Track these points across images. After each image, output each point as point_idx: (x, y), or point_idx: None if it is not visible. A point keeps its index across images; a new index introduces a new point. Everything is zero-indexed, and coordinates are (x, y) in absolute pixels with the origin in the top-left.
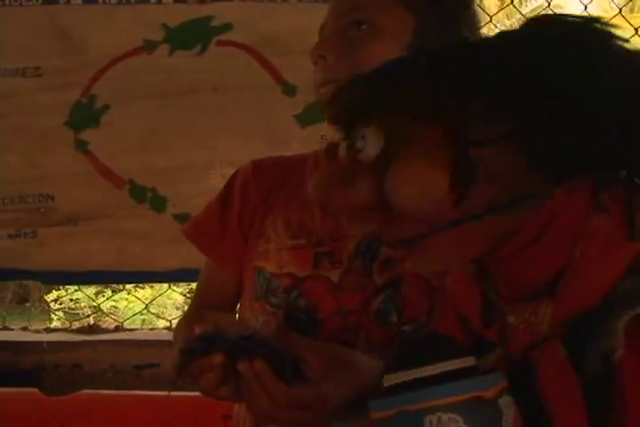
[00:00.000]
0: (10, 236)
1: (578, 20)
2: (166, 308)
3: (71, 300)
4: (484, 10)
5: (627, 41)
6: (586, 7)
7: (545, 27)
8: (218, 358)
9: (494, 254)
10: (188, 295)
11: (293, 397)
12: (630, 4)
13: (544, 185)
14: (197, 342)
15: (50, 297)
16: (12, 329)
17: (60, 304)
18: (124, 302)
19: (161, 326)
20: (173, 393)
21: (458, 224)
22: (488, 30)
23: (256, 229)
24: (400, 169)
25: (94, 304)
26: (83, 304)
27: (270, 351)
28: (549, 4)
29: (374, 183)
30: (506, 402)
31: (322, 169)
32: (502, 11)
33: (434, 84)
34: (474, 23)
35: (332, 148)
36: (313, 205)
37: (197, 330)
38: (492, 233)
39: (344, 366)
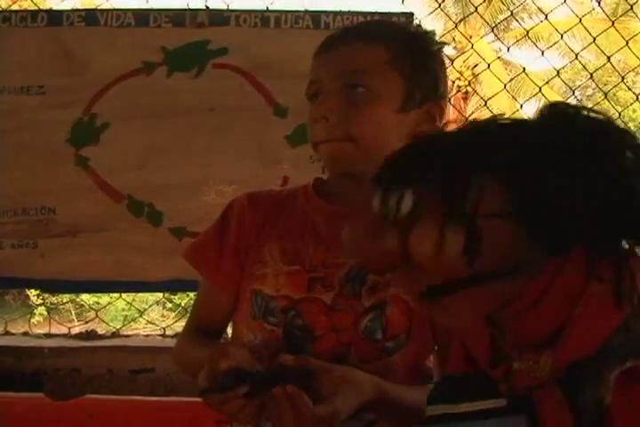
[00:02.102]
0: (13, 246)
1: (593, 123)
2: (147, 304)
3: (53, 295)
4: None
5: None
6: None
7: (560, 123)
8: (244, 390)
9: (503, 311)
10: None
11: (316, 414)
12: (615, 8)
13: (540, 255)
14: (224, 377)
15: (32, 291)
16: (14, 334)
17: (43, 300)
18: (107, 298)
19: (143, 322)
20: (170, 398)
21: (467, 286)
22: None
23: (252, 256)
24: (423, 229)
25: (76, 299)
26: (65, 299)
27: (291, 376)
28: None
29: (399, 238)
30: None
31: (354, 222)
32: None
33: (455, 164)
34: (447, 79)
35: (364, 203)
36: (305, 235)
37: (223, 366)
38: (496, 296)
39: (350, 384)
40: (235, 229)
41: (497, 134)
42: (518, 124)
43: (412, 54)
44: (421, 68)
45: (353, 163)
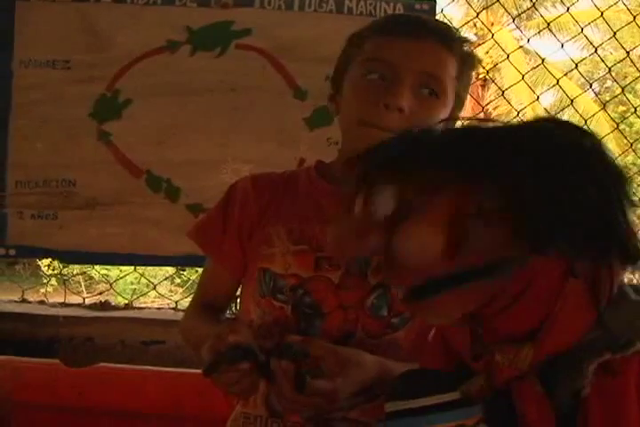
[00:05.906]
0: (33, 216)
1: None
2: (156, 278)
3: (64, 266)
4: None
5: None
6: None
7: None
8: (244, 366)
9: (484, 309)
10: (178, 268)
11: (312, 388)
12: None
13: (520, 252)
14: (230, 350)
15: (43, 262)
16: (30, 302)
17: (53, 270)
18: (117, 271)
19: (152, 295)
20: (180, 369)
21: (450, 286)
22: None
23: (257, 237)
24: (406, 229)
25: (86, 272)
26: (75, 271)
27: (295, 354)
28: None
29: (383, 238)
30: None
31: (338, 223)
32: None
33: (441, 163)
34: None
35: (347, 202)
36: (310, 216)
37: (231, 340)
38: (480, 294)
39: (353, 364)
40: (238, 211)
41: (484, 134)
42: (501, 127)
43: (466, 75)
44: (466, 90)
45: None
